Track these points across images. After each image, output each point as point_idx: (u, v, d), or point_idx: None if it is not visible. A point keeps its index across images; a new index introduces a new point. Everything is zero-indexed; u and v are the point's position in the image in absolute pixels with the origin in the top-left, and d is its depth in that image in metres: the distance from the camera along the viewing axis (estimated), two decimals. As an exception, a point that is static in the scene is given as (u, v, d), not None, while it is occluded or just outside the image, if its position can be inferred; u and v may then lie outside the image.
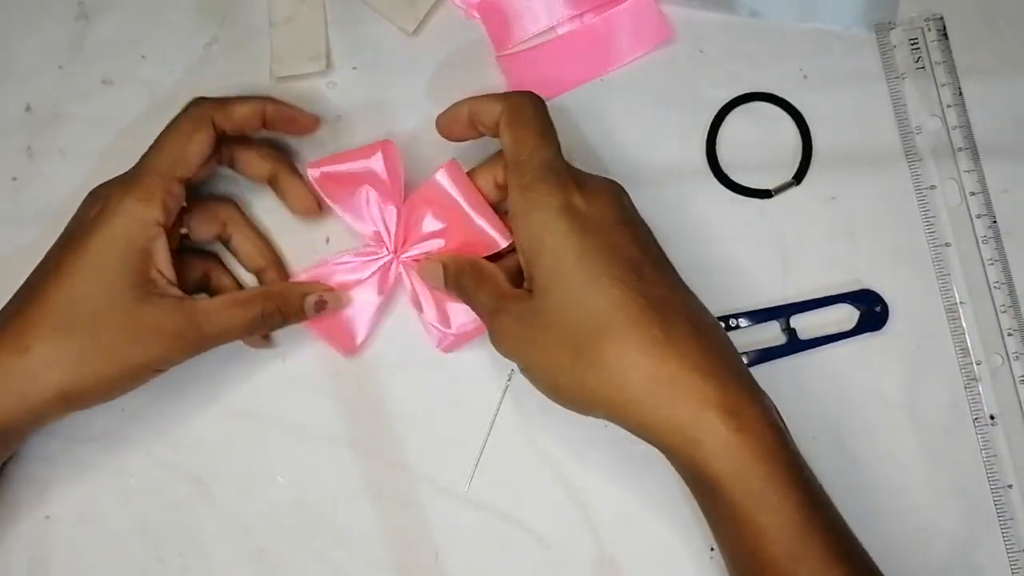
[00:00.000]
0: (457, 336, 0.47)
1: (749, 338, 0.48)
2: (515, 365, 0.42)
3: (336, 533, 0.47)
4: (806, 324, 0.48)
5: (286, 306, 0.45)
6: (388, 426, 0.48)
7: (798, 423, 0.47)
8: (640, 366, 0.37)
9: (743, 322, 0.48)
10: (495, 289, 0.42)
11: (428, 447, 0.47)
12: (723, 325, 0.48)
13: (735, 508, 0.37)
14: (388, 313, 0.48)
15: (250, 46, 0.52)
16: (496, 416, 0.47)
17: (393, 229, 0.47)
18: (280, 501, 0.47)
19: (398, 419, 0.48)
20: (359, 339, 0.47)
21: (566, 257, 0.39)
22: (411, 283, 0.47)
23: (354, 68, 0.52)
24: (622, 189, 0.42)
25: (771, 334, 0.48)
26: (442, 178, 0.45)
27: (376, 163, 0.46)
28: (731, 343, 0.40)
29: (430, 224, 0.46)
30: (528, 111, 0.42)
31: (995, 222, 0.49)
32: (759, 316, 0.48)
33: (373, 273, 0.47)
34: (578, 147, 0.50)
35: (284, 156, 0.48)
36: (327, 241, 0.49)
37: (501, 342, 0.41)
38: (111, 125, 0.51)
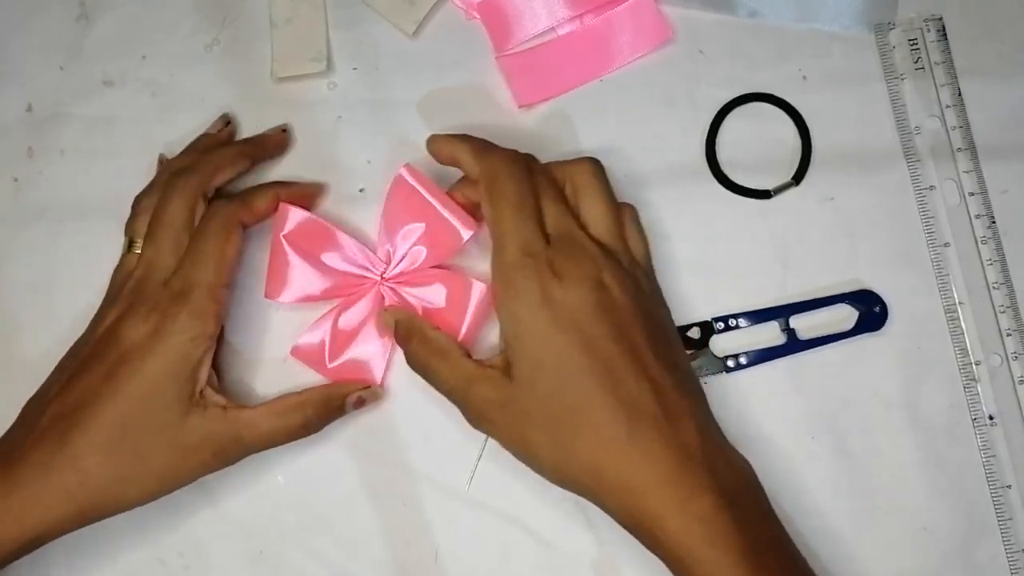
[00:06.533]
0: None
1: (749, 338, 0.48)
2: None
3: (336, 533, 0.47)
4: (805, 324, 0.48)
5: (327, 411, 0.45)
6: (388, 426, 0.48)
7: (798, 423, 0.47)
8: (606, 466, 0.39)
9: (743, 322, 0.48)
10: (461, 368, 0.42)
11: (428, 447, 0.47)
12: (723, 326, 0.48)
13: None
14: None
15: (251, 46, 0.52)
16: (496, 416, 0.47)
17: (375, 252, 0.47)
18: (280, 501, 0.47)
19: (398, 419, 0.48)
20: (378, 381, 0.47)
21: (546, 353, 0.40)
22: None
23: (354, 69, 0.52)
24: (599, 264, 0.41)
25: (770, 334, 0.48)
26: (407, 175, 0.45)
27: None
28: (704, 398, 0.42)
29: (408, 234, 0.46)
30: (503, 183, 0.42)
31: (994, 222, 0.49)
32: (758, 316, 0.48)
33: (370, 312, 0.47)
34: (578, 148, 0.50)
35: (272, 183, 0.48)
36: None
37: (479, 421, 0.42)
38: (111, 125, 0.51)
